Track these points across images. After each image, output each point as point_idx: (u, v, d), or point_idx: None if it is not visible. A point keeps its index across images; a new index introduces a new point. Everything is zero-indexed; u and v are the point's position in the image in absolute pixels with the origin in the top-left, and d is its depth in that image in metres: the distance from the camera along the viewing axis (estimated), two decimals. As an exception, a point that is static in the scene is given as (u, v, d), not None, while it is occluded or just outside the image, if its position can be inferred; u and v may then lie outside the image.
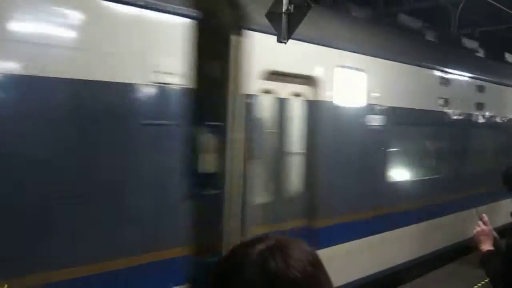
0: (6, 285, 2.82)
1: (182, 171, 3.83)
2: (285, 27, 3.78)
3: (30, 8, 3.14)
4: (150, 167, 3.67)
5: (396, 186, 6.43)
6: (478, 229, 3.02)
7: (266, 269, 0.81)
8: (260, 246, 0.86)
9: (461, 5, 10.38)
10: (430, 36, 8.64)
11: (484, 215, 3.01)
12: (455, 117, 7.83)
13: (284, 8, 3.76)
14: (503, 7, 9.57)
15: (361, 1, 7.85)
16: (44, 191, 3.15)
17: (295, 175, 5.06)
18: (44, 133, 3.19)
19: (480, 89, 8.59)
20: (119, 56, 3.52)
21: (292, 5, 3.76)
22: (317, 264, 0.87)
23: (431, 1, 10.97)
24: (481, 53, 10.41)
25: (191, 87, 3.91)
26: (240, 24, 4.29)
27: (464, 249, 8.13)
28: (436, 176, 7.40)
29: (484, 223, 3.02)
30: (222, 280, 0.86)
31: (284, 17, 3.75)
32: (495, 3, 9.06)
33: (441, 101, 7.39)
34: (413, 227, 6.68)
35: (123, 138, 3.57)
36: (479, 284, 6.53)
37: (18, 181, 3.05)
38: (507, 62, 11.25)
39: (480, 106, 8.61)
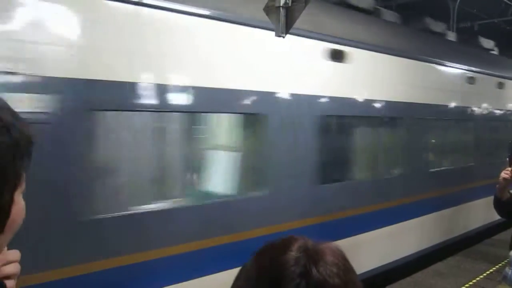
0: None
1: None
2: (283, 21, 3.76)
3: None
4: None
5: None
6: None
7: (310, 281, 0.76)
8: (293, 252, 0.80)
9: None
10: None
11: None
12: None
13: (282, 2, 3.74)
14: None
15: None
16: None
17: None
18: None
19: None
20: None
21: (290, -1, 3.75)
22: (349, 264, 0.83)
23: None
24: None
25: None
26: None
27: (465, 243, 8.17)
28: None
29: None
30: None
31: (282, 11, 3.74)
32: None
33: None
34: None
35: None
36: (481, 276, 6.54)
37: None
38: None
39: None
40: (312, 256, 0.79)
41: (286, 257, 0.79)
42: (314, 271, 0.77)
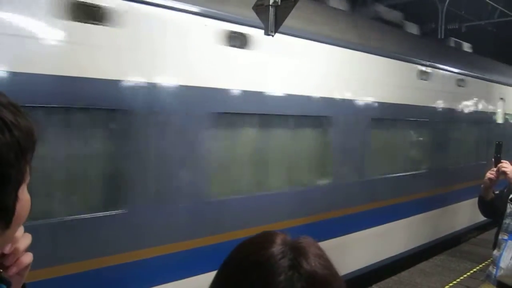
0: None
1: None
2: (272, 20, 3.76)
3: None
4: None
5: None
6: (509, 168, 3.38)
7: (302, 272, 0.76)
8: (278, 246, 0.80)
9: (447, 0, 10.47)
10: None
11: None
12: None
13: (272, 1, 3.74)
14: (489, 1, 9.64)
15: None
16: None
17: None
18: None
19: None
20: None
21: (279, -2, 3.75)
22: (328, 257, 0.84)
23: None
24: None
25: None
26: None
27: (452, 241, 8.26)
28: None
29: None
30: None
31: (271, 10, 3.74)
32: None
33: None
34: None
35: None
36: (465, 275, 6.63)
37: None
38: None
39: None
40: (298, 249, 0.80)
41: (273, 251, 0.79)
42: (304, 262, 0.77)
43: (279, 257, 0.78)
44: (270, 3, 3.74)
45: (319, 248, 0.84)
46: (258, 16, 3.83)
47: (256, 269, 0.78)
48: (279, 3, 3.74)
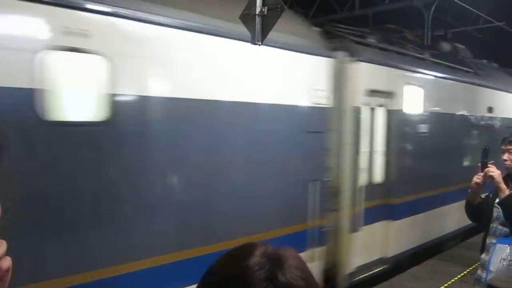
0: None
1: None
2: (259, 29, 3.79)
3: None
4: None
5: None
6: (496, 172, 3.41)
7: (277, 285, 0.76)
8: (256, 258, 0.81)
9: (433, 6, 10.62)
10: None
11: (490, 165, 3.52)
12: None
13: (258, 10, 3.76)
14: (471, 8, 9.80)
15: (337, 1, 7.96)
16: None
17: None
18: None
19: None
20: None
21: (266, 7, 3.77)
22: (308, 267, 0.85)
23: (405, 1, 11.18)
24: None
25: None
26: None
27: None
28: None
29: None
30: None
31: (258, 19, 3.76)
32: (463, 4, 9.29)
33: None
34: None
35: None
36: (455, 279, 6.67)
37: None
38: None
39: None
40: (276, 261, 0.80)
41: (250, 263, 0.79)
42: (279, 275, 0.77)
43: (255, 269, 0.78)
44: (257, 12, 3.76)
45: (299, 260, 0.84)
46: (244, 25, 3.85)
47: (232, 281, 0.79)
48: (266, 12, 3.77)
